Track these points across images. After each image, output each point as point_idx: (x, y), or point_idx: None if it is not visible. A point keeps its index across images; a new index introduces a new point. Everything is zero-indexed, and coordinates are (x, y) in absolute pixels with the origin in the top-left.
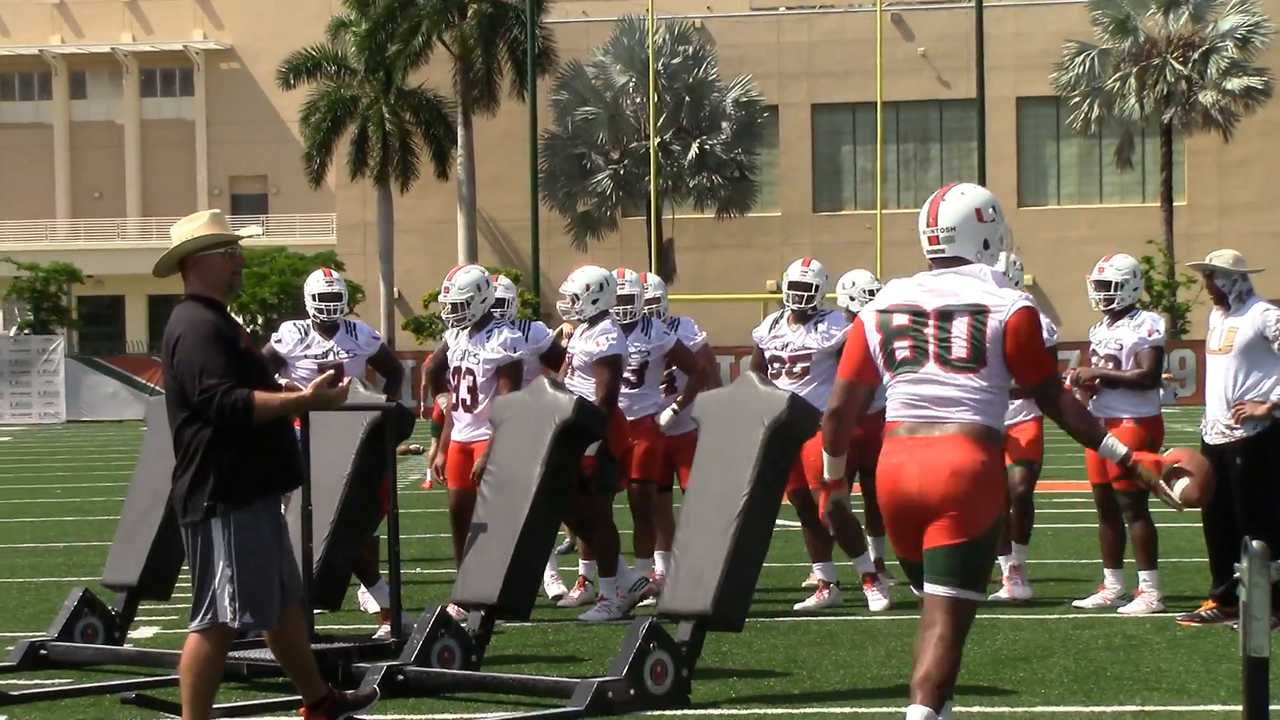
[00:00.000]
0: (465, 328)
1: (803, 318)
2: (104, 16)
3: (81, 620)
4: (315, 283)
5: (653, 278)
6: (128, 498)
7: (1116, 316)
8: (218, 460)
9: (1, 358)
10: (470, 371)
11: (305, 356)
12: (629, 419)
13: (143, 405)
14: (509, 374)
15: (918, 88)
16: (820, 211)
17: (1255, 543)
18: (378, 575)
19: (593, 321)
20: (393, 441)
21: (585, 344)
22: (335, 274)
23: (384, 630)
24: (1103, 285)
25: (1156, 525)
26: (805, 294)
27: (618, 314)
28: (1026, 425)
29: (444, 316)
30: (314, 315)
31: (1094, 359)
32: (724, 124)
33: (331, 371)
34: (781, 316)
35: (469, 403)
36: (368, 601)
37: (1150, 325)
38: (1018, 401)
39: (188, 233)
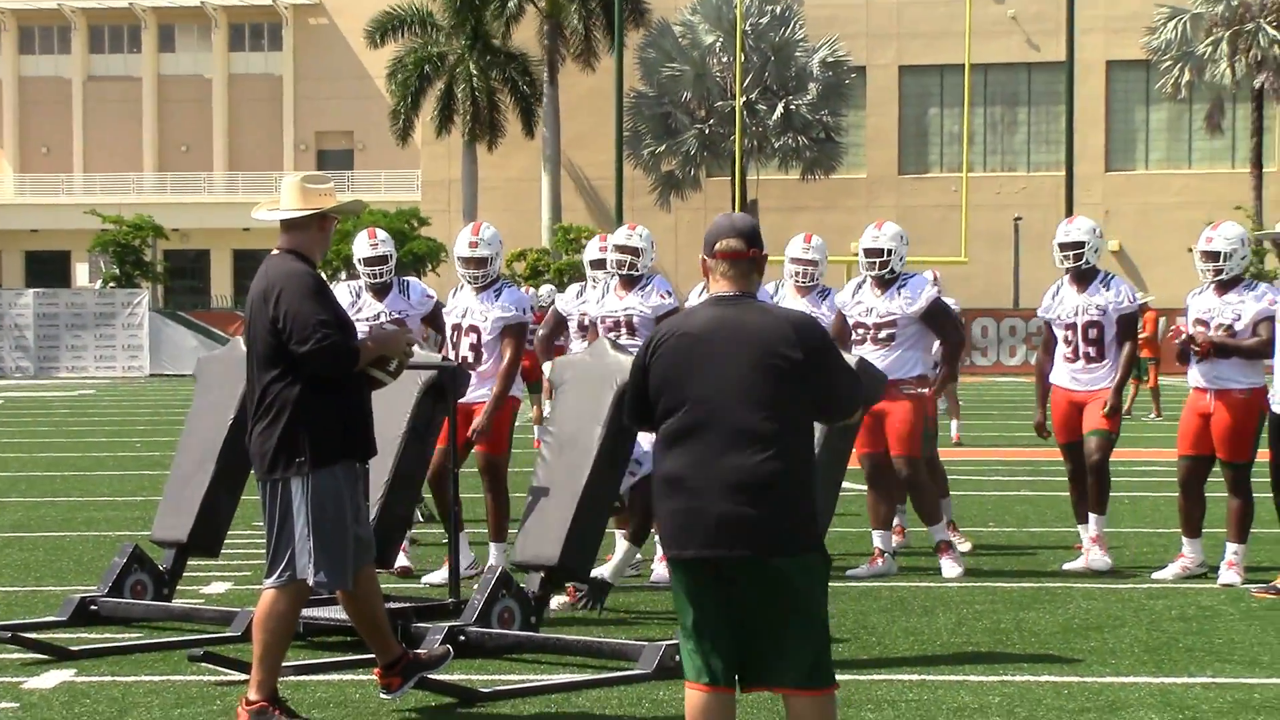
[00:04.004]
0: (483, 284)
1: (884, 284)
2: None
3: (131, 576)
4: (360, 246)
5: (817, 239)
6: (177, 454)
7: (1226, 286)
8: (307, 418)
9: (86, 311)
10: (475, 329)
11: (356, 320)
12: None
13: None
14: (515, 333)
15: (1007, 50)
16: (906, 174)
17: None
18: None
19: (636, 281)
20: (453, 400)
21: (645, 300)
22: (381, 235)
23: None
24: (1211, 256)
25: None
26: (879, 260)
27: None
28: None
29: (460, 272)
30: (363, 278)
31: (1198, 328)
32: (810, 85)
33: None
34: (864, 283)
35: (471, 361)
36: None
37: (1272, 295)
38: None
39: (329, 190)
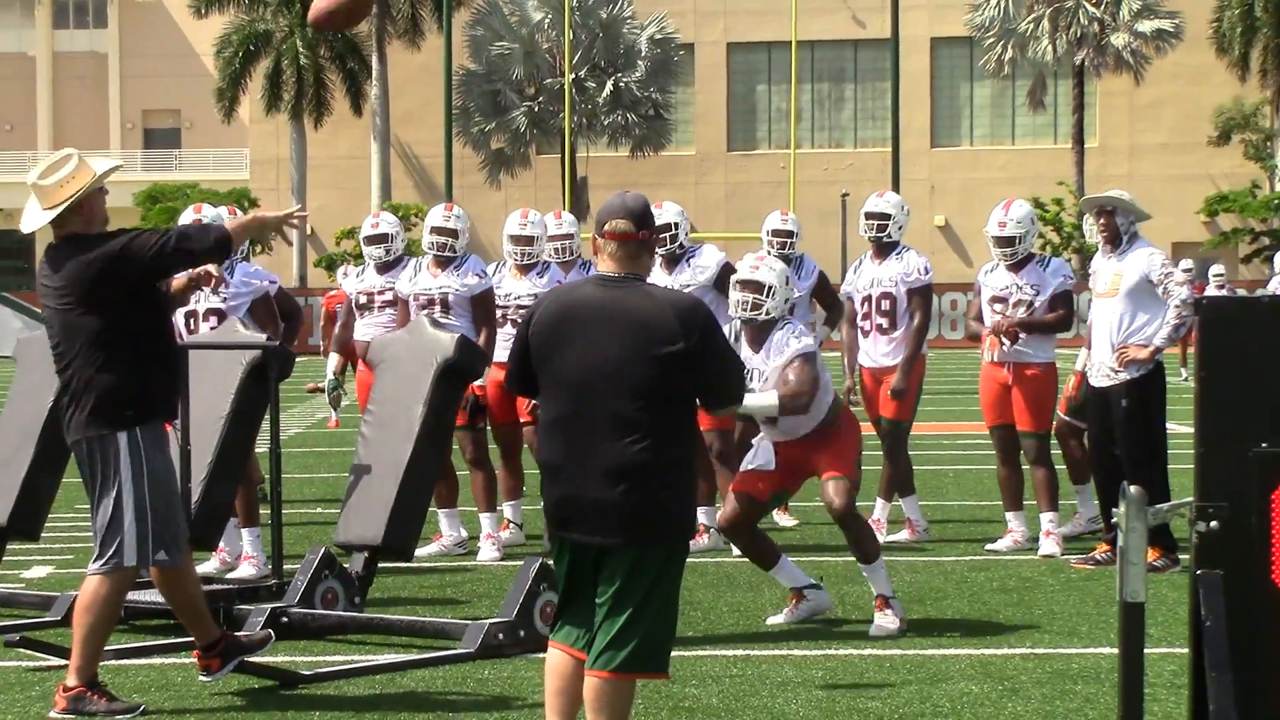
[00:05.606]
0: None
1: (672, 260)
2: None
3: None
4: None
5: (567, 216)
6: None
7: (1019, 264)
8: (122, 373)
9: None
10: (216, 312)
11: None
12: None
13: None
14: (264, 306)
15: (834, 27)
16: (734, 150)
17: (1132, 488)
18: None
19: (450, 260)
20: (275, 380)
21: (460, 279)
22: (207, 209)
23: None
24: (1005, 241)
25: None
26: (668, 234)
27: (516, 254)
28: None
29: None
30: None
31: (995, 305)
32: (639, 62)
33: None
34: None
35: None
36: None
37: (1064, 270)
38: None
39: (69, 176)
